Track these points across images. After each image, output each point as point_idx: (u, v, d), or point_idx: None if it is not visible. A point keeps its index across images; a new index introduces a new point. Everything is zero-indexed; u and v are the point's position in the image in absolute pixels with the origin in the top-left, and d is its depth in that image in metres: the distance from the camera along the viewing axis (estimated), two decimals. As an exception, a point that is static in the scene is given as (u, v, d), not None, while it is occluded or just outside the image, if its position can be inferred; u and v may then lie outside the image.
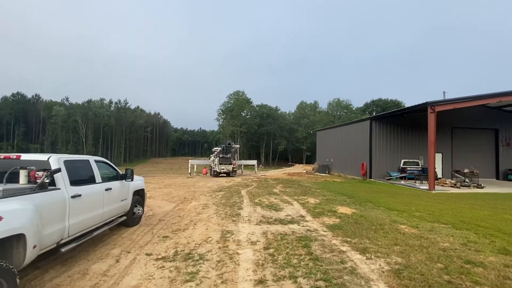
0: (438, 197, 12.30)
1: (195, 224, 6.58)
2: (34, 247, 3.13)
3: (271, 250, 4.59)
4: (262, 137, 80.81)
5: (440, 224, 6.56)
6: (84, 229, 4.40)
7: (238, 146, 33.49)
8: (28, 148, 70.11)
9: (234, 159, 26.82)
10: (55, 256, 4.18)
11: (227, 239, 5.30)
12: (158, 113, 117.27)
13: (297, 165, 51.90)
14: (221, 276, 3.61)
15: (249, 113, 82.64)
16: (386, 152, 22.02)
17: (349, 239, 5.19)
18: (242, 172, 29.98)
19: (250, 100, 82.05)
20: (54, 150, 73.70)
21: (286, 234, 5.53)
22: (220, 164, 24.67)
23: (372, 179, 21.10)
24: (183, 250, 4.67)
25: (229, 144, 26.38)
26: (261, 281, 3.41)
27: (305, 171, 33.31)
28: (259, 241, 5.10)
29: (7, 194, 3.14)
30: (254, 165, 31.84)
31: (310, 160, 69.73)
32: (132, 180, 6.18)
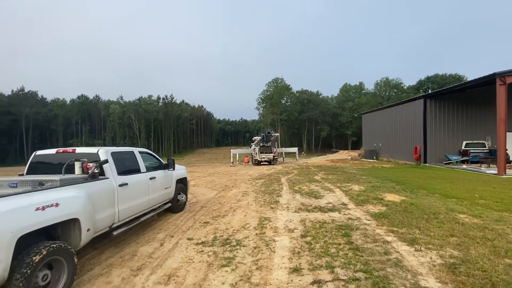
0: (509, 182, 10.65)
1: (234, 211, 6.74)
2: (88, 230, 3.50)
3: (308, 238, 4.45)
4: (303, 124, 78.99)
5: (511, 214, 5.66)
6: (132, 215, 4.80)
7: (278, 134, 33.26)
8: (94, 143, 79.42)
9: (275, 147, 26.75)
10: (110, 239, 4.65)
11: (265, 226, 5.30)
12: (202, 106, 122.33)
13: (341, 151, 49.82)
14: (256, 262, 3.62)
15: (289, 100, 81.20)
16: (443, 133, 19.73)
17: (395, 229, 4.77)
18: (283, 160, 29.85)
19: (290, 87, 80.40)
20: (114, 144, 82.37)
21: (326, 222, 5.32)
22: (261, 152, 24.85)
23: (427, 164, 19.21)
24: (222, 236, 4.81)
25: (269, 132, 26.34)
26: (296, 270, 3.33)
27: (350, 157, 31.79)
28: (297, 229, 5.00)
29: (64, 183, 3.54)
30: (295, 152, 31.41)
31: (355, 145, 66.32)
32: (174, 169, 6.52)
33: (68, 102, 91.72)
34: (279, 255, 3.82)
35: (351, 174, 14.13)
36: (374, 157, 27.23)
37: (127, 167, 4.92)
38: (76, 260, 3.18)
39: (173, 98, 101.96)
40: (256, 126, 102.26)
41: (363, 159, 28.41)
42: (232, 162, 29.10)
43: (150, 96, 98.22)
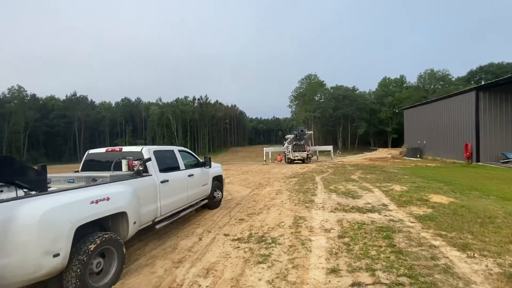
0: None
1: (268, 208, 6.76)
2: (134, 223, 3.77)
3: (346, 239, 4.30)
4: (338, 121, 76.26)
5: None
6: (173, 210, 5.07)
7: (311, 132, 32.59)
8: (136, 142, 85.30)
9: (308, 146, 26.27)
10: (153, 232, 4.97)
11: (300, 225, 5.24)
12: (235, 105, 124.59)
13: (380, 149, 47.24)
14: (292, 261, 3.60)
15: (322, 97, 78.98)
16: (499, 129, 17.68)
17: (443, 233, 4.40)
18: (317, 159, 29.21)
19: (324, 83, 78.15)
20: (154, 143, 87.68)
21: (364, 224, 5.09)
22: (294, 151, 24.57)
23: (480, 163, 17.38)
24: (257, 233, 4.86)
25: (302, 130, 25.91)
26: (334, 270, 3.24)
27: (390, 155, 30.02)
28: (333, 229, 4.86)
29: (113, 180, 3.86)
30: (330, 150, 30.53)
31: (396, 143, 62.37)
32: (210, 167, 6.74)
33: (113, 104, 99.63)
34: (315, 255, 3.75)
35: (391, 173, 13.34)
36: (418, 156, 25.36)
37: (167, 164, 5.19)
38: (124, 250, 3.45)
39: (208, 98, 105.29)
40: (288, 124, 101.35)
41: (405, 157, 26.61)
42: (265, 161, 29.21)
43: (186, 97, 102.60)
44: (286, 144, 26.95)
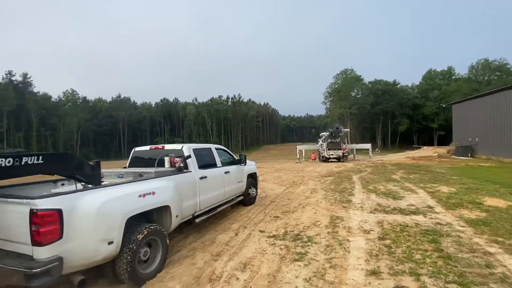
0: None
1: (303, 207, 6.70)
2: (177, 216, 4.00)
3: (387, 241, 4.11)
4: (377, 118, 72.28)
5: None
6: (211, 205, 5.27)
7: (348, 129, 31.40)
8: (174, 140, 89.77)
9: (344, 143, 25.38)
10: (193, 225, 5.21)
11: (337, 224, 5.12)
12: (267, 103, 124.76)
13: (425, 147, 43.91)
14: (329, 260, 3.54)
15: (359, 92, 75.41)
16: None
17: (500, 239, 3.98)
18: (354, 157, 28.08)
19: (361, 77, 74.52)
20: (190, 141, 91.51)
21: (408, 226, 4.80)
22: (329, 149, 23.92)
23: (546, 163, 15.29)
24: (292, 231, 4.85)
25: (337, 128, 25.11)
26: (374, 272, 3.12)
27: (436, 154, 27.74)
28: (373, 230, 4.66)
29: (158, 175, 4.14)
30: (368, 149, 29.14)
31: (443, 141, 57.40)
32: (245, 164, 6.87)
33: (153, 105, 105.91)
34: (354, 256, 3.64)
35: (438, 173, 12.35)
36: (469, 154, 23.10)
37: (206, 162, 5.41)
38: (168, 241, 3.69)
39: (241, 97, 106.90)
40: (322, 121, 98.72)
41: (454, 156, 24.39)
42: (298, 159, 28.88)
43: (220, 97, 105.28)
44: (320, 142, 26.31)
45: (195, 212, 4.73)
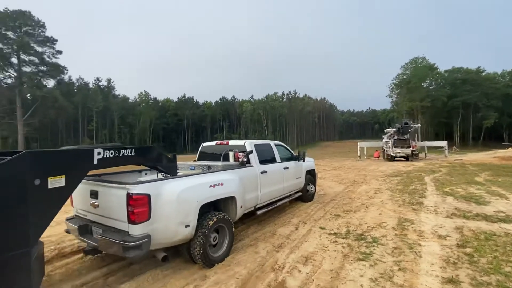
0: None
1: (367, 207, 6.36)
2: (241, 207, 4.27)
3: (468, 250, 3.64)
4: (455, 111, 62.84)
5: None
6: (271, 199, 5.44)
7: (419, 125, 28.17)
8: (231, 137, 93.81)
9: (414, 141, 22.93)
10: (254, 217, 5.48)
11: (406, 227, 4.74)
12: (324, 98, 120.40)
13: (519, 145, 36.57)
14: (398, 263, 3.33)
15: (433, 83, 66.64)
16: None
17: None
18: (425, 156, 25.17)
19: (435, 66, 65.67)
20: (246, 138, 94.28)
21: (495, 235, 4.16)
22: (395, 146, 21.91)
23: None
24: (355, 230, 4.68)
25: (406, 123, 22.78)
26: (452, 281, 2.83)
27: (535, 153, 22.89)
28: (450, 236, 4.18)
29: (224, 168, 4.48)
30: (443, 147, 25.75)
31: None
32: (304, 160, 6.85)
33: (213, 103, 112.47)
34: (427, 261, 3.35)
35: (538, 176, 10.23)
36: None
37: (266, 157, 5.59)
38: (233, 229, 3.97)
39: (296, 93, 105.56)
40: (387, 116, 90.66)
41: (562, 156, 19.76)
42: (359, 156, 27.26)
43: (275, 93, 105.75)
44: (385, 138, 24.25)
45: (257, 204, 4.96)
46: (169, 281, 3.15)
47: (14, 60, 42.91)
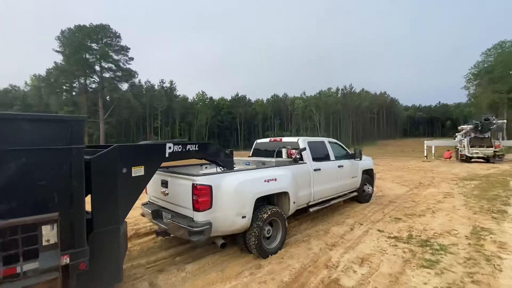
0: None
1: (433, 212, 5.78)
2: (294, 202, 4.34)
3: None
4: (555, 104, 51.38)
5: None
6: (324, 197, 5.36)
7: (504, 121, 23.93)
8: (282, 134, 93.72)
9: (498, 139, 19.66)
10: (306, 214, 5.48)
11: (482, 237, 4.18)
12: (385, 92, 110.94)
13: None
14: (471, 275, 2.99)
15: (525, 70, 55.37)
16: None
17: None
18: (512, 157, 21.34)
19: (527, 50, 54.43)
20: (298, 135, 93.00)
21: None
22: (472, 146, 19.11)
23: None
24: (419, 236, 4.32)
25: (487, 119, 19.61)
26: (543, 304, 2.43)
27: None
28: (543, 252, 3.55)
29: (278, 164, 4.59)
30: (536, 147, 21.46)
31: None
32: (360, 159, 6.54)
33: (265, 101, 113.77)
34: (509, 277, 2.93)
35: None
36: None
37: (319, 154, 5.52)
38: (286, 224, 4.07)
39: (352, 87, 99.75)
40: (462, 111, 79.20)
41: None
42: (426, 156, 24.59)
43: (329, 89, 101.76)
44: (458, 137, 21.28)
45: (309, 201, 4.95)
46: (227, 265, 3.42)
47: (97, 67, 50.32)
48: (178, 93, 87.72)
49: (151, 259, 3.67)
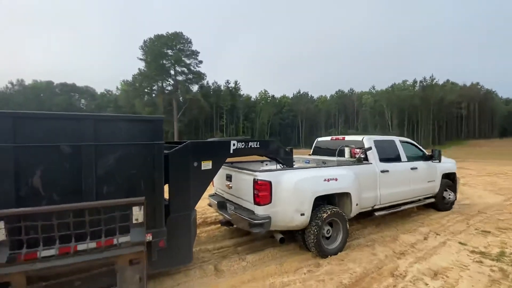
0: None
1: (538, 228, 4.72)
2: (356, 204, 4.13)
3: None
4: None
5: None
6: (392, 201, 4.93)
7: None
8: (347, 132, 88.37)
9: None
10: (371, 218, 5.14)
11: None
12: (477, 83, 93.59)
13: None
14: None
15: None
16: None
17: None
18: None
19: None
20: (365, 133, 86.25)
21: None
22: None
23: None
24: (515, 255, 3.61)
25: None
26: None
27: None
28: None
29: (339, 164, 4.44)
30: None
31: None
32: (439, 161, 5.77)
33: (328, 97, 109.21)
34: None
35: None
36: None
37: (388, 155, 5.09)
38: (348, 226, 3.92)
39: (434, 79, 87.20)
40: None
41: None
42: (532, 160, 19.97)
43: (404, 81, 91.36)
44: None
45: (375, 205, 4.63)
46: (286, 260, 3.50)
47: (172, 71, 56.47)
48: (242, 93, 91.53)
49: (216, 246, 4.01)
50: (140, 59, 54.29)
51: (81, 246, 2.08)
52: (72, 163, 2.35)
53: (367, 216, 4.99)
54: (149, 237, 2.52)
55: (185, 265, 3.12)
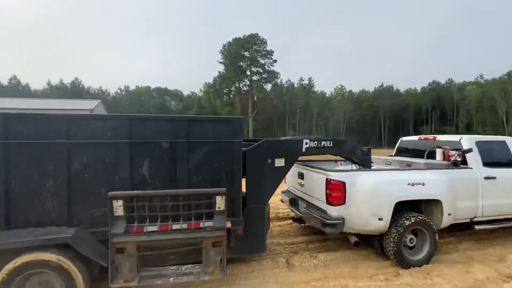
0: None
1: None
2: (449, 214, 3.60)
3: None
4: None
5: None
6: (500, 214, 4.09)
7: None
8: (443, 130, 75.49)
9: None
10: (470, 232, 4.38)
11: None
12: None
13: None
14: None
15: None
16: None
17: None
18: None
19: None
20: (468, 131, 72.12)
21: None
22: None
23: None
24: None
25: None
26: None
27: None
28: None
29: (428, 167, 3.94)
30: None
31: None
32: None
33: (419, 90, 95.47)
34: None
35: None
36: None
37: (496, 158, 4.22)
38: (437, 237, 3.46)
39: None
40: None
41: None
42: None
43: (526, 67, 72.21)
44: None
45: (475, 216, 3.94)
46: (360, 264, 3.36)
47: (248, 72, 59.43)
48: (316, 89, 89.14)
49: (288, 241, 4.14)
50: (220, 62, 59.09)
51: (175, 226, 2.50)
52: (169, 156, 2.83)
53: (464, 229, 4.29)
54: (229, 224, 2.83)
55: (259, 254, 3.35)
